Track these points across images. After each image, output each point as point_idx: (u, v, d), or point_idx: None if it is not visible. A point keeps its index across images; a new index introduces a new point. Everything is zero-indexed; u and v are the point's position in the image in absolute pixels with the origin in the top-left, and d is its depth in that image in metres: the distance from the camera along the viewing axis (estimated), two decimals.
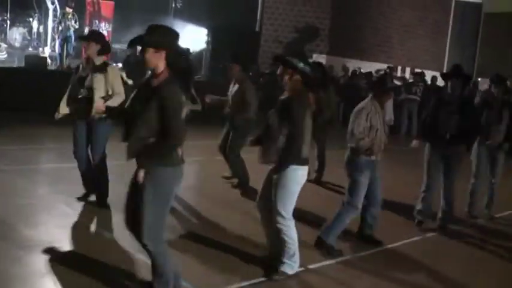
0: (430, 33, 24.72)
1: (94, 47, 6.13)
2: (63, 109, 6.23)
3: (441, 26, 25.33)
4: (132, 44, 3.98)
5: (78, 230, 5.83)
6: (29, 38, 17.41)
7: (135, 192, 3.88)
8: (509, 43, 23.28)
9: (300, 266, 5.06)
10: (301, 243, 5.06)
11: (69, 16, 15.97)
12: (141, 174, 3.82)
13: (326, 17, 20.87)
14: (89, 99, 6.02)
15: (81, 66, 6.32)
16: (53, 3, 16.68)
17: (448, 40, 25.89)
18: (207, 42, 17.96)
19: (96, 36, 6.43)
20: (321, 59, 20.37)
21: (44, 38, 17.18)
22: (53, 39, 16.70)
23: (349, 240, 6.13)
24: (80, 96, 6.13)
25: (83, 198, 6.57)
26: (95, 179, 6.43)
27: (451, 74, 7.09)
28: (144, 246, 3.94)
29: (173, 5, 20.12)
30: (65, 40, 15.71)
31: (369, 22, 21.95)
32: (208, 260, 5.16)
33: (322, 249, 5.69)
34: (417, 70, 20.02)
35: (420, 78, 17.08)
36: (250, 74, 15.87)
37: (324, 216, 6.39)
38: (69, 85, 6.29)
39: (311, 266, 5.32)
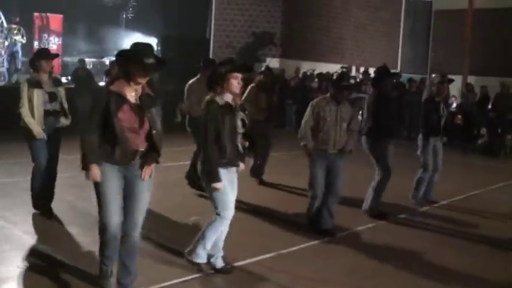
0: (383, 33, 25.08)
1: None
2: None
3: (393, 24, 25.72)
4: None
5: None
6: None
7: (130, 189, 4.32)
8: (460, 39, 23.73)
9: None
10: None
11: (15, 31, 15.86)
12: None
13: (277, 20, 20.98)
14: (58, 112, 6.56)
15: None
16: None
17: (401, 38, 26.29)
18: (157, 51, 17.94)
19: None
20: (275, 62, 20.65)
21: None
22: (1, 55, 16.54)
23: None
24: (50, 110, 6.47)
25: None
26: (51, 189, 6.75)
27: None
28: (134, 237, 4.38)
29: (124, 16, 20.08)
30: (11, 55, 15.58)
31: (321, 24, 22.17)
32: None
33: None
34: (362, 69, 20.32)
35: (368, 77, 17.32)
36: None
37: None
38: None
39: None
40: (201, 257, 5.03)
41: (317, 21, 21.92)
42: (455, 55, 23.73)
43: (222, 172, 4.88)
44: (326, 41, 22.52)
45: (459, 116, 17.23)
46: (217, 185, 4.82)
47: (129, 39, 18.97)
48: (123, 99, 4.15)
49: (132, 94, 4.19)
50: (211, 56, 20.72)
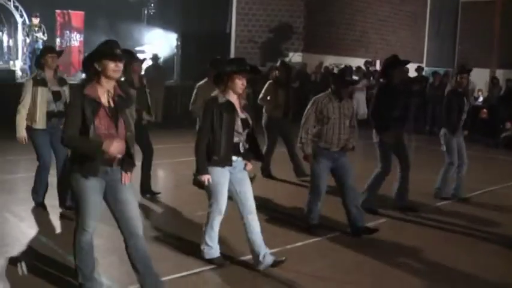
0: (408, 26, 24.71)
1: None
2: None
3: (418, 17, 25.31)
4: None
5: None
6: None
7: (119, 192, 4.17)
8: (488, 32, 23.24)
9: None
10: None
11: (36, 28, 15.97)
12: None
13: (300, 15, 20.81)
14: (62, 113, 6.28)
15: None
16: (21, 16, 16.69)
17: (427, 31, 25.86)
18: (177, 47, 17.94)
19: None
20: (297, 57, 20.51)
21: (15, 51, 17.19)
22: (24, 52, 16.70)
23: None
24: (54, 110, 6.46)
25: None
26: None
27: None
28: (141, 240, 4.23)
29: (145, 12, 20.08)
30: (33, 52, 15.69)
31: (344, 17, 21.94)
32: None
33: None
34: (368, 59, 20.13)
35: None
36: None
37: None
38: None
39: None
40: (206, 254, 5.13)
41: (340, 15, 21.69)
42: (483, 48, 23.28)
43: (216, 169, 4.90)
44: (349, 34, 22.27)
45: (484, 110, 17.13)
46: (202, 177, 4.86)
47: (150, 35, 19.04)
48: (98, 103, 4.00)
49: (105, 96, 4.06)
50: (233, 52, 20.70)
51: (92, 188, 4.07)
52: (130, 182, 4.23)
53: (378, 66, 21.49)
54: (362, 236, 6.13)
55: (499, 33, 22.64)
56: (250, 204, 5.03)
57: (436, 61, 25.12)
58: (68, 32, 17.75)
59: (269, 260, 5.01)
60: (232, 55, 20.56)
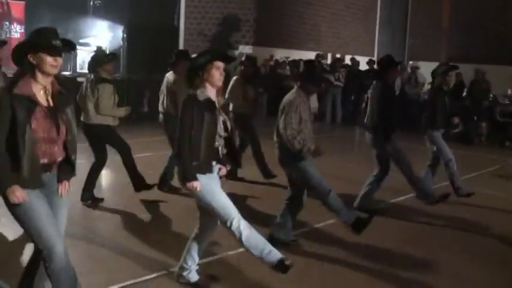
0: (359, 19, 24.65)
1: None
2: None
3: (369, 10, 25.29)
4: None
5: None
6: None
7: None
8: (437, 24, 23.39)
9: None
10: None
11: None
12: None
13: (250, 7, 20.45)
14: None
15: None
16: None
17: (378, 25, 25.89)
18: (123, 40, 17.36)
19: None
20: (248, 50, 20.14)
21: None
22: None
23: None
24: None
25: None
26: None
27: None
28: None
29: (91, 3, 19.38)
30: None
31: (296, 10, 21.67)
32: None
33: None
34: (337, 56, 19.85)
35: (340, 64, 16.91)
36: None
37: None
38: None
39: None
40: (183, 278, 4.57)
41: (291, 7, 21.41)
42: (433, 42, 23.41)
43: (200, 177, 4.25)
44: (301, 27, 22.03)
45: None
46: (193, 183, 4.20)
47: (95, 27, 18.36)
48: (33, 103, 3.45)
49: (41, 94, 3.53)
50: (182, 45, 20.19)
51: (39, 205, 3.55)
52: (66, 196, 3.73)
53: (329, 60, 21.36)
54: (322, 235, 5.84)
55: (449, 25, 22.79)
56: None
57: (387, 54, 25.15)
58: (7, 23, 16.92)
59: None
60: (181, 48, 20.11)
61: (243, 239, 4.19)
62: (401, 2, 25.89)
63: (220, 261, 5.19)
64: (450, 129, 14.39)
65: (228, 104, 8.46)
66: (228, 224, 4.22)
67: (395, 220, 6.99)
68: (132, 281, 4.64)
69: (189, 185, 4.20)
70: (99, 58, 7.11)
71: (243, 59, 9.06)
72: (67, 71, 16.79)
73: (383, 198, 7.70)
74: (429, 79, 18.65)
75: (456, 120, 14.16)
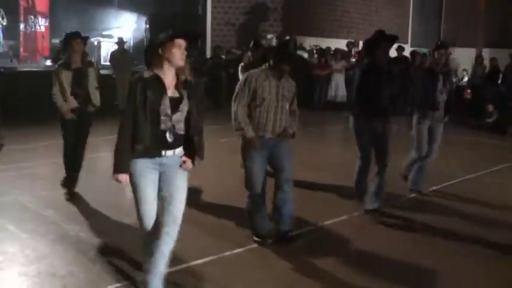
0: (392, 5, 23.91)
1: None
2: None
3: None
4: None
5: None
6: None
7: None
8: (473, 9, 22.57)
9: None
10: None
11: None
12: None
13: None
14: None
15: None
16: None
17: (411, 11, 25.10)
18: (145, 30, 17.15)
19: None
20: (275, 39, 19.73)
21: None
22: None
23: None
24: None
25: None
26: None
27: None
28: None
29: None
30: None
31: None
32: None
33: None
34: (351, 40, 19.27)
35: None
36: (192, 59, 15.21)
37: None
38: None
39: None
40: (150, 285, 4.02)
41: None
42: (468, 27, 22.62)
43: (139, 162, 3.86)
44: (330, 15, 21.46)
45: (468, 90, 16.45)
46: (118, 176, 3.85)
47: (120, 18, 18.23)
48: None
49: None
50: (209, 35, 19.89)
51: None
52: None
53: (360, 47, 20.80)
54: (322, 235, 5.37)
55: (484, 11, 21.95)
56: (174, 214, 3.92)
57: (421, 41, 24.39)
58: (32, 17, 16.89)
59: None
60: (208, 38, 19.82)
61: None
62: None
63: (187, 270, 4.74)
64: (484, 118, 13.90)
65: None
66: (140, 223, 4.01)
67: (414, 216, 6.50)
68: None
69: (113, 177, 3.86)
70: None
71: (250, 45, 8.61)
72: None
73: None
74: (465, 65, 18.26)
75: (490, 108, 13.63)
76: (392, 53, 17.18)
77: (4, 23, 15.25)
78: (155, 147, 3.86)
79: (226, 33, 19.88)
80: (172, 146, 3.92)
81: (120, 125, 3.85)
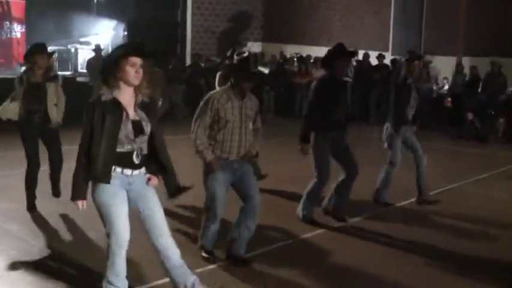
0: (373, 13, 23.90)
1: None
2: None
3: (383, 3, 24.53)
4: None
5: None
6: None
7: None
8: (454, 17, 22.61)
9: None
10: None
11: None
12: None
13: (258, 2, 19.92)
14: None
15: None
16: None
17: (392, 18, 25.10)
18: (124, 37, 16.92)
19: None
20: (257, 46, 19.60)
21: None
22: None
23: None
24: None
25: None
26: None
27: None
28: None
29: (96, 1, 18.99)
30: None
31: (306, 4, 21.04)
32: None
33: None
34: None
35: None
36: (170, 66, 15.00)
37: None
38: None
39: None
40: None
41: (301, 1, 20.79)
42: (449, 35, 22.62)
43: (102, 186, 3.77)
44: (311, 22, 21.35)
45: (448, 99, 16.41)
46: (77, 202, 3.82)
47: (98, 25, 17.97)
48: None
49: None
50: (189, 42, 19.71)
51: None
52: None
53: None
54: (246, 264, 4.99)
55: (465, 19, 21.99)
56: (160, 224, 3.92)
57: (402, 49, 24.34)
58: (7, 22, 16.60)
59: None
60: (188, 45, 19.64)
61: (109, 261, 3.90)
62: None
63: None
64: (465, 127, 13.84)
65: None
66: (108, 238, 3.87)
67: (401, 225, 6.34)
68: None
69: (73, 203, 3.84)
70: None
71: (228, 54, 8.39)
72: (68, 71, 16.44)
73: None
74: (445, 73, 18.24)
75: (470, 116, 13.58)
76: (373, 60, 17.20)
77: None
78: (108, 171, 3.76)
79: (207, 40, 19.73)
80: (138, 167, 3.86)
81: (78, 151, 3.79)
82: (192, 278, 4.03)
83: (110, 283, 3.91)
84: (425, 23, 25.07)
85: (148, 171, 3.95)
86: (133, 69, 3.72)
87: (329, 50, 6.34)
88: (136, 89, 3.82)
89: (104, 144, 3.71)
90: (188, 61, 18.07)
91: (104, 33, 17.40)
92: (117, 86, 3.75)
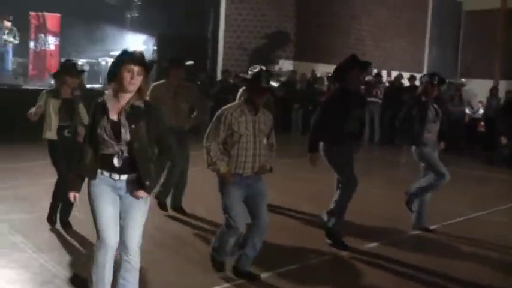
0: (407, 34, 23.59)
1: None
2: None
3: (419, 25, 24.21)
4: None
5: None
6: None
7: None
8: (491, 40, 22.18)
9: None
10: None
11: (7, 31, 15.12)
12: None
13: (291, 20, 19.82)
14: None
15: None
16: None
17: (428, 40, 24.75)
18: (153, 51, 17.00)
19: None
20: (288, 64, 19.51)
21: None
22: None
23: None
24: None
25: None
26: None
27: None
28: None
29: (129, 15, 19.18)
30: (1, 56, 14.83)
31: (339, 24, 20.87)
32: None
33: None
34: (375, 71, 18.84)
35: (380, 79, 16.00)
36: (199, 82, 14.98)
37: None
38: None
39: None
40: None
41: (334, 21, 20.62)
42: (486, 58, 22.19)
43: (97, 184, 3.88)
44: (344, 41, 21.16)
45: (481, 123, 16.00)
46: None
47: (130, 39, 18.12)
48: None
49: None
50: (221, 58, 19.71)
51: None
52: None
53: (385, 77, 20.36)
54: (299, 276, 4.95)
55: (503, 42, 21.55)
56: (129, 242, 3.87)
57: (438, 71, 23.97)
58: (42, 35, 16.81)
59: None
60: (220, 62, 19.65)
61: (92, 269, 3.91)
62: (453, 17, 24.71)
63: None
64: (497, 151, 13.41)
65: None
66: (96, 242, 3.91)
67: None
68: None
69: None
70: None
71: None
72: (97, 84, 16.57)
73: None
74: (481, 97, 17.82)
75: (504, 140, 13.14)
76: (406, 82, 16.93)
77: (16, 42, 15.19)
78: (104, 169, 3.87)
79: (238, 57, 19.69)
80: (124, 171, 3.86)
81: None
82: None
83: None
84: (462, 44, 24.67)
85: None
86: (129, 74, 3.77)
87: (341, 63, 6.15)
88: (139, 95, 3.88)
89: (91, 144, 3.87)
90: (219, 77, 18.10)
91: (134, 47, 17.46)
92: (114, 90, 3.85)
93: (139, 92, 3.85)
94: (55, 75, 6.50)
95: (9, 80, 14.83)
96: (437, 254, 6.07)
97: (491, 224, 7.50)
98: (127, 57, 3.81)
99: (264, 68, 4.82)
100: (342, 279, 5.22)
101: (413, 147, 6.81)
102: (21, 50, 16.63)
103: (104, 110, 3.83)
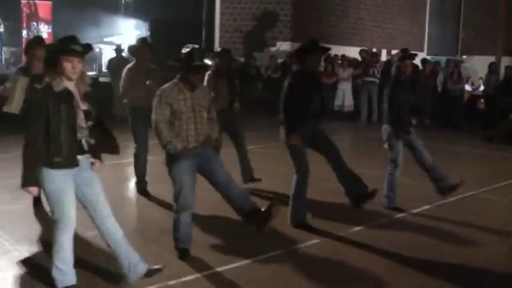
0: (407, 12, 23.31)
1: None
2: None
3: (418, 3, 23.89)
4: None
5: None
6: None
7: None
8: (493, 17, 21.84)
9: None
10: None
11: None
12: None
13: (288, 1, 19.55)
14: None
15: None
16: None
17: (427, 17, 24.42)
18: (147, 36, 16.80)
19: None
20: (285, 46, 19.26)
21: None
22: None
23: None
24: None
25: None
26: None
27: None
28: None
29: (123, 1, 18.99)
30: None
31: (337, 3, 20.61)
32: None
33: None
34: (373, 50, 18.57)
35: (377, 59, 15.74)
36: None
37: None
38: None
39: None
40: (59, 282, 4.07)
41: (333, 1, 20.35)
42: (488, 34, 21.86)
43: (58, 174, 3.95)
44: (343, 21, 20.94)
45: (481, 100, 15.74)
46: (29, 189, 3.98)
47: (124, 25, 17.94)
48: None
49: None
50: (217, 42, 19.50)
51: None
52: None
53: (384, 56, 20.11)
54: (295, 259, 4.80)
55: (505, 18, 21.20)
56: (103, 209, 4.16)
57: (438, 49, 23.71)
58: (34, 23, 16.68)
59: (141, 268, 4.27)
60: (216, 45, 19.44)
61: (56, 246, 4.04)
62: None
63: None
64: (497, 127, 13.14)
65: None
66: (56, 223, 4.01)
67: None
68: None
69: (24, 190, 3.98)
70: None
71: (218, 50, 8.24)
72: (92, 71, 16.43)
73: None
74: (482, 74, 17.54)
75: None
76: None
77: (0, 30, 15.04)
78: (73, 157, 3.99)
79: (235, 40, 19.48)
80: (85, 152, 4.09)
81: (31, 137, 3.91)
82: (136, 257, 4.24)
83: (58, 268, 4.05)
84: (462, 22, 24.32)
85: (92, 156, 4.13)
86: (70, 64, 3.90)
87: (301, 45, 6.17)
88: (79, 82, 4.03)
89: (65, 132, 3.92)
90: None
91: (128, 32, 17.33)
92: (60, 78, 3.93)
93: (81, 77, 4.04)
94: (26, 51, 6.45)
95: (1, 70, 14.70)
96: (428, 235, 5.88)
97: (487, 203, 7.31)
98: (62, 49, 3.90)
99: (196, 46, 4.96)
100: (329, 263, 5.06)
101: (385, 128, 6.67)
102: (13, 38, 16.53)
103: (73, 100, 3.97)
